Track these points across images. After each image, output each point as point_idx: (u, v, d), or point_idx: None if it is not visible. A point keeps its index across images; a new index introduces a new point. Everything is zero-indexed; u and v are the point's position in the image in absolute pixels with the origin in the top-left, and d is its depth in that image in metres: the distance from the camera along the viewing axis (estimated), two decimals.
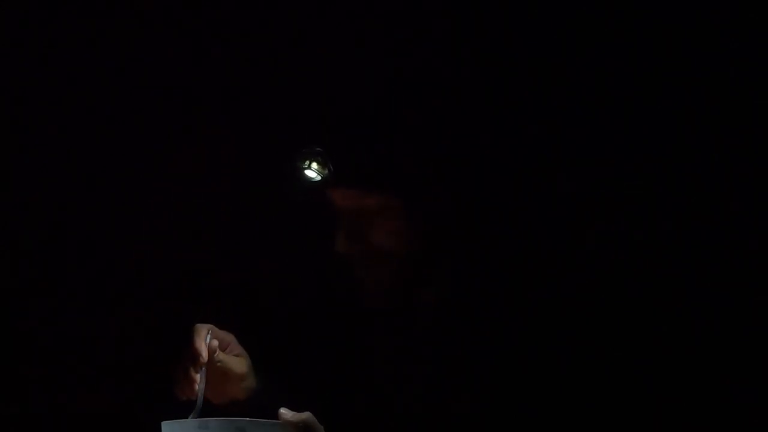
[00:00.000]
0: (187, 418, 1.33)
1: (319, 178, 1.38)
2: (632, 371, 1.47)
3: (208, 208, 1.82)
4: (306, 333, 1.59)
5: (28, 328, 1.83)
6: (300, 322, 1.66)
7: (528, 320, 1.38)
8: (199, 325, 1.39)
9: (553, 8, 1.62)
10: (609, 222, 1.58)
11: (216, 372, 1.39)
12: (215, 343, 1.39)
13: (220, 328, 1.42)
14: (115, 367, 1.83)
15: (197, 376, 1.35)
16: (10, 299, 1.83)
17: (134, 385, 1.81)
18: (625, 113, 1.60)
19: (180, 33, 1.80)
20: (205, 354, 1.36)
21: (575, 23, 1.61)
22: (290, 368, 1.50)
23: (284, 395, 1.34)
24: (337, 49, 1.71)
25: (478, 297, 1.40)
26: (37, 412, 1.82)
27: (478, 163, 1.43)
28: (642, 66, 1.59)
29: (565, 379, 1.36)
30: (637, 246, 1.58)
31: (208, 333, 1.39)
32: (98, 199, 1.83)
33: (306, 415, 1.27)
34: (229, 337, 1.42)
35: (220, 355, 1.39)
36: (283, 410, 1.27)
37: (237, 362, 1.42)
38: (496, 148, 1.46)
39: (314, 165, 1.38)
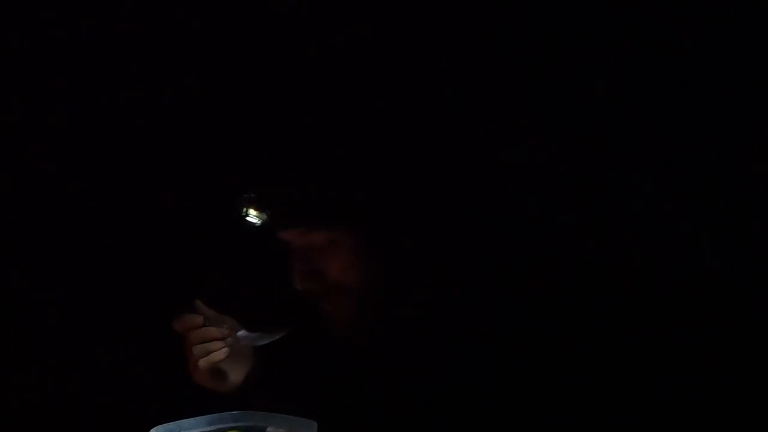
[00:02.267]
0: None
1: (259, 222, 1.39)
2: (624, 372, 1.47)
3: (208, 209, 1.82)
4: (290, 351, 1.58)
5: (29, 328, 1.83)
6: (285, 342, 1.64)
7: (501, 330, 1.38)
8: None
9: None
10: (585, 232, 1.58)
11: None
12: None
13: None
14: (115, 367, 1.83)
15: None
16: (10, 299, 1.83)
17: (134, 385, 1.81)
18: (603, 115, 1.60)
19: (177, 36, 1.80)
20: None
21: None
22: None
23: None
24: (270, 82, 1.71)
25: (451, 311, 1.40)
26: (37, 412, 1.82)
27: (452, 186, 1.44)
28: (639, 65, 1.59)
29: (550, 393, 1.36)
30: (620, 252, 1.58)
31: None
32: (98, 199, 1.83)
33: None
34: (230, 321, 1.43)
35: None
36: None
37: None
38: (471, 172, 1.47)
39: (251, 211, 1.39)
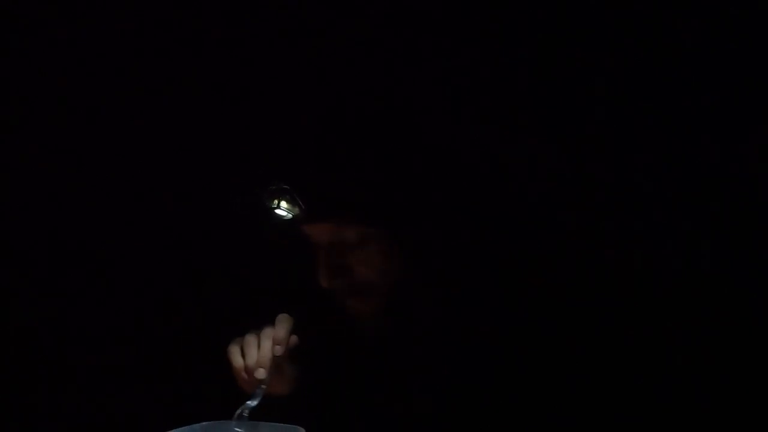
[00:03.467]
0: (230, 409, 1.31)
1: (290, 216, 1.36)
2: (624, 372, 1.47)
3: (209, 209, 1.82)
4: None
5: (28, 328, 1.83)
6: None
7: (517, 333, 1.38)
8: (285, 315, 1.38)
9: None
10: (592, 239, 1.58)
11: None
12: (295, 339, 1.37)
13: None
14: (116, 367, 1.83)
15: (268, 364, 1.33)
16: (10, 299, 1.83)
17: (134, 386, 1.81)
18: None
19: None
20: (284, 346, 1.35)
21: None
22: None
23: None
24: (300, 78, 1.70)
25: (451, 311, 1.40)
26: (37, 412, 1.82)
27: (459, 187, 1.43)
28: (639, 65, 1.59)
29: (550, 393, 1.36)
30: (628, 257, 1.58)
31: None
32: (98, 199, 1.82)
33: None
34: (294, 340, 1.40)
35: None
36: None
37: (292, 364, 1.41)
38: (474, 170, 1.47)
39: (283, 204, 1.36)
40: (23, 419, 1.80)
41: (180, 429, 1.28)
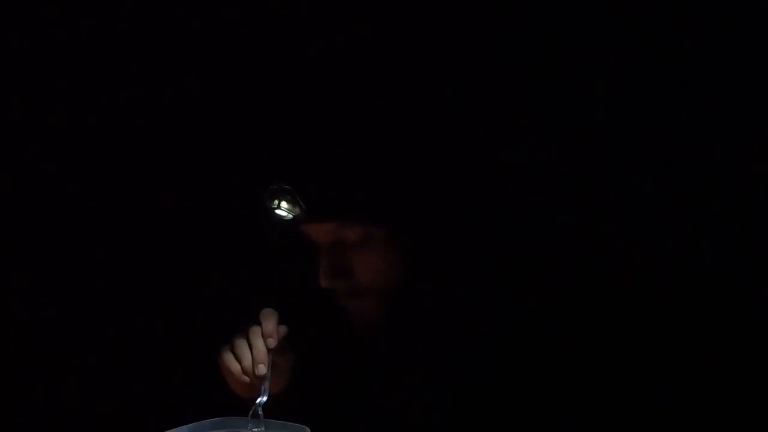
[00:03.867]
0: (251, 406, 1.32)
1: (290, 216, 1.36)
2: (624, 372, 1.47)
3: (209, 208, 1.82)
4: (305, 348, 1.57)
5: (29, 328, 1.83)
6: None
7: (518, 340, 1.38)
8: (268, 309, 1.38)
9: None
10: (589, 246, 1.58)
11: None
12: (284, 329, 1.37)
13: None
14: (115, 367, 1.82)
15: (266, 359, 1.33)
16: (10, 299, 1.83)
17: (133, 385, 1.81)
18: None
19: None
20: (276, 338, 1.35)
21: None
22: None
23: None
24: (300, 78, 1.70)
25: (451, 311, 1.40)
26: (38, 412, 1.82)
27: (459, 187, 1.43)
28: (639, 65, 1.59)
29: (550, 393, 1.36)
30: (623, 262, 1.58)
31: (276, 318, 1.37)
32: (98, 199, 1.82)
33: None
34: (283, 330, 1.40)
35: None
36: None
37: (285, 356, 1.41)
38: (476, 172, 1.47)
39: (284, 204, 1.36)
40: (23, 419, 1.80)
41: (192, 425, 1.28)
